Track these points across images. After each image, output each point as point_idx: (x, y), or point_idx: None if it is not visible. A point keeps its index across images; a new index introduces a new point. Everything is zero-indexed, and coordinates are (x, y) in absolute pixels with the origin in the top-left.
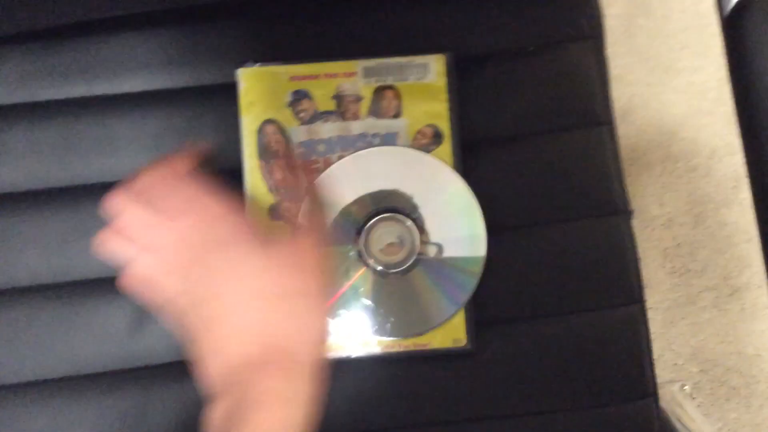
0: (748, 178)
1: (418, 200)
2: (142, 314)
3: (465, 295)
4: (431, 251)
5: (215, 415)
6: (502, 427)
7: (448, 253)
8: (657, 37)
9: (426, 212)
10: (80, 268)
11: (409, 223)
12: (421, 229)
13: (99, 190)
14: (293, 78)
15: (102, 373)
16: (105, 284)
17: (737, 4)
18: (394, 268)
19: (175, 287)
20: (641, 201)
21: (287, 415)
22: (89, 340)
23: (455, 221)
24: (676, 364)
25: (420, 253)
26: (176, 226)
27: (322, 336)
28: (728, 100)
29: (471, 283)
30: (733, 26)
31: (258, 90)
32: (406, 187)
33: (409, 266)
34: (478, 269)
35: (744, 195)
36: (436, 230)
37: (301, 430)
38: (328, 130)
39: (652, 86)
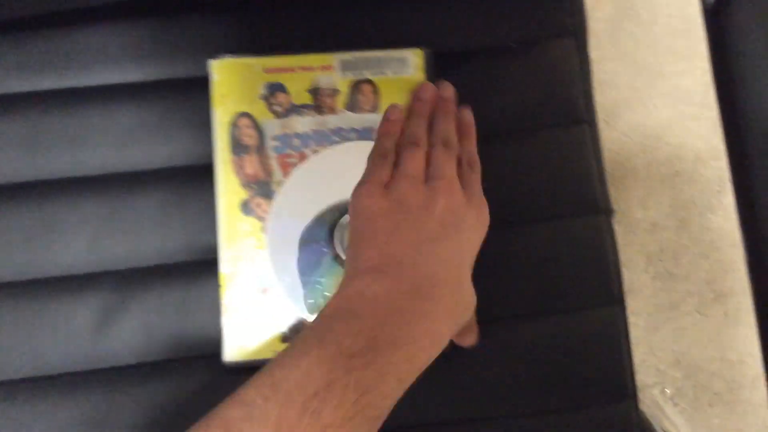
0: (730, 173)
1: None
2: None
3: None
4: None
5: (375, 290)
6: (478, 429)
7: None
8: (643, 41)
9: None
10: (45, 265)
11: None
12: None
13: (66, 185)
14: (268, 70)
15: (65, 374)
16: (70, 282)
17: None
18: None
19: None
20: (625, 205)
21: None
22: (53, 340)
23: None
24: (658, 369)
25: None
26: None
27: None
28: (714, 104)
29: None
30: (715, 18)
31: (231, 82)
32: None
33: None
34: None
35: (729, 200)
36: None
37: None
38: (303, 124)
39: (637, 90)
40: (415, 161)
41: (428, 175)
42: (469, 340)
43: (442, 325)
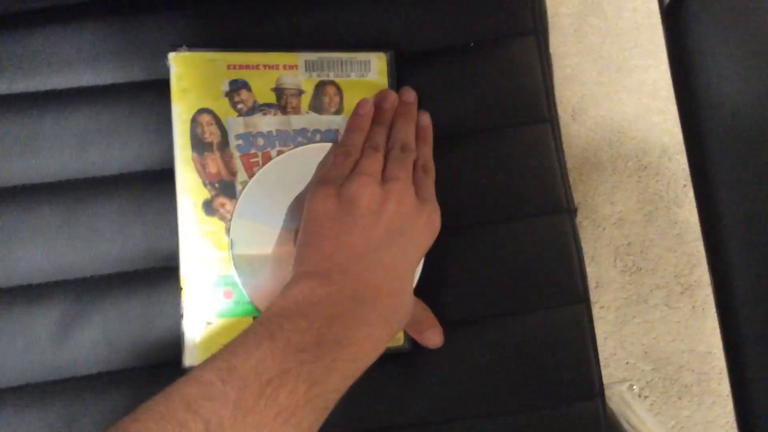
0: (690, 171)
1: None
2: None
3: None
4: None
5: (320, 294)
6: (447, 430)
7: None
8: (608, 36)
9: None
10: (2, 275)
11: None
12: None
13: (20, 192)
14: (231, 66)
15: (25, 386)
16: (28, 292)
17: None
18: None
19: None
20: (592, 200)
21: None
22: (11, 351)
23: None
24: (628, 362)
25: None
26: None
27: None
28: None
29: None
30: (672, 16)
31: (192, 77)
32: None
33: None
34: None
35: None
36: None
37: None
38: (267, 123)
39: (603, 85)
40: (373, 163)
41: (384, 177)
42: (434, 340)
43: (381, 331)
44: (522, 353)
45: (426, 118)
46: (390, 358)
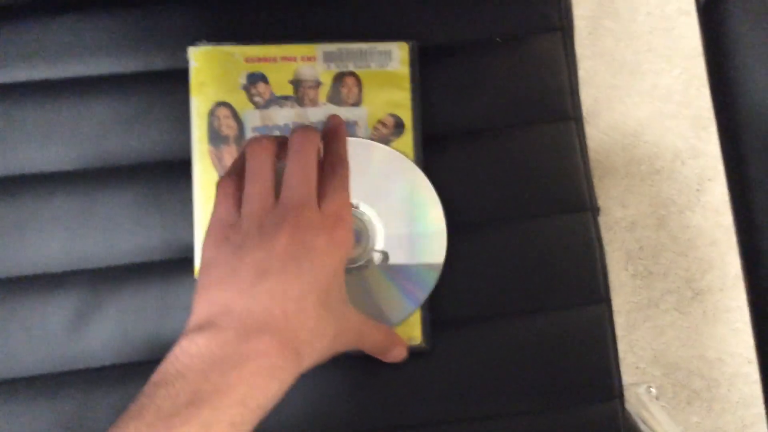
0: (724, 169)
1: (375, 193)
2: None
3: (424, 293)
4: (376, 259)
5: (199, 344)
6: (464, 429)
7: (401, 255)
8: (622, 39)
9: (383, 206)
10: (18, 263)
11: (367, 217)
12: (373, 225)
13: (39, 180)
14: (248, 60)
15: (39, 376)
16: (45, 281)
17: None
18: (350, 264)
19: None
20: (604, 203)
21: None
22: (26, 340)
23: (415, 216)
24: (638, 367)
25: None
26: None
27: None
28: (693, 103)
29: (431, 280)
30: (709, 13)
31: (210, 70)
32: (363, 179)
33: (365, 263)
34: (438, 265)
35: (707, 198)
36: (393, 226)
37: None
38: (284, 116)
39: (617, 88)
40: (258, 198)
41: (279, 200)
42: (394, 356)
43: (278, 359)
44: (542, 352)
45: (335, 119)
46: (408, 358)
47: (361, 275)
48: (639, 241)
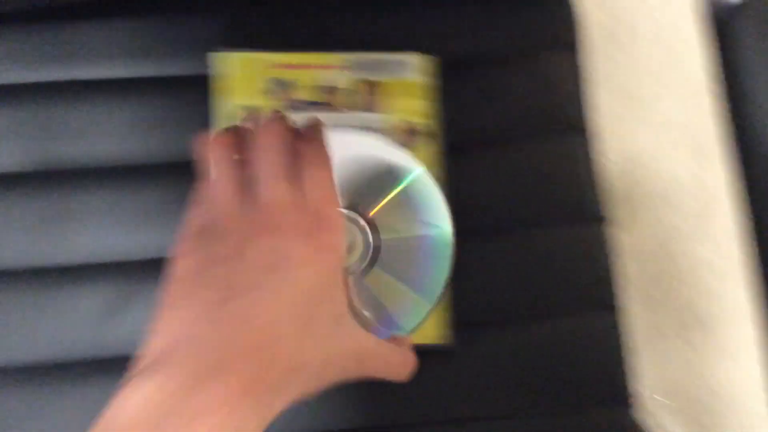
0: (742, 181)
1: (379, 191)
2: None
3: (439, 286)
4: (377, 260)
5: (145, 394)
6: (474, 430)
7: (405, 253)
8: (624, 65)
9: (386, 204)
10: (54, 253)
11: (362, 222)
12: (373, 226)
13: (73, 175)
14: (271, 66)
15: (70, 362)
16: (78, 271)
17: (727, 10)
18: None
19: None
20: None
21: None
22: (59, 328)
23: (418, 210)
24: (638, 393)
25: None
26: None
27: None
28: (694, 131)
29: (443, 270)
30: (722, 35)
31: (234, 76)
32: (365, 177)
33: (364, 268)
34: (447, 255)
35: (709, 226)
36: (395, 222)
37: None
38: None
39: (618, 115)
40: (221, 199)
41: (246, 200)
42: (400, 374)
43: (238, 411)
44: (552, 357)
45: (314, 118)
46: (431, 356)
47: (363, 282)
48: (640, 268)
